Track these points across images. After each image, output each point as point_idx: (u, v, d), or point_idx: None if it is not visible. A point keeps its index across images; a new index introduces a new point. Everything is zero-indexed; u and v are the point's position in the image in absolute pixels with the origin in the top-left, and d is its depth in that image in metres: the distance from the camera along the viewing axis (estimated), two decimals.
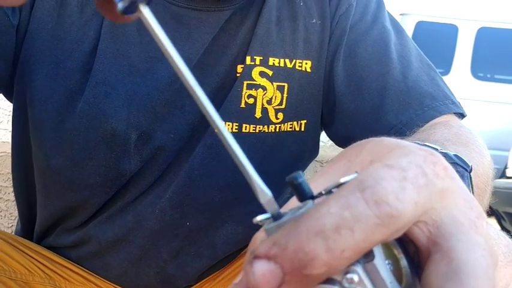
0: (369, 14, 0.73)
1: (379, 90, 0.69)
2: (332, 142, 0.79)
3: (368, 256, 0.21)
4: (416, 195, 0.21)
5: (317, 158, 0.84)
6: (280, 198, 0.75)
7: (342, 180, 0.22)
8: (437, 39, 4.87)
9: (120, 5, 0.23)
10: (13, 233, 0.83)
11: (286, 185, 0.23)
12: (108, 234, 0.71)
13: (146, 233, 0.71)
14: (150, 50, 0.67)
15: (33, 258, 0.73)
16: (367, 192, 0.21)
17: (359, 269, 0.21)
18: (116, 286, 0.75)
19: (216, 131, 0.23)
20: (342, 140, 0.75)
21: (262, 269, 0.21)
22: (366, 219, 0.20)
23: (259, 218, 0.24)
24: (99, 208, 0.71)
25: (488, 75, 4.81)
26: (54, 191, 0.71)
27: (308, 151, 0.76)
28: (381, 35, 0.72)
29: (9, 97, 0.74)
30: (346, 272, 0.21)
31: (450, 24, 4.92)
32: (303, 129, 0.72)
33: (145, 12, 0.23)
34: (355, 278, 0.21)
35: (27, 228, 0.80)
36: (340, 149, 0.55)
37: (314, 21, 0.72)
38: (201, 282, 0.77)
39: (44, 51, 0.66)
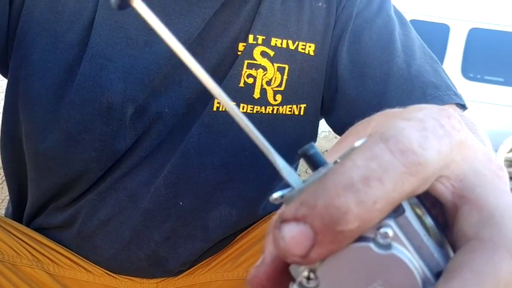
0: (374, 3, 0.73)
1: (382, 77, 0.68)
2: (325, 133, 0.78)
3: (398, 211, 0.21)
4: (438, 144, 0.21)
5: None
6: (276, 183, 0.74)
7: (357, 144, 0.22)
8: (429, 38, 4.88)
9: (112, 1, 0.23)
10: None
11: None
12: (100, 212, 0.70)
13: (139, 213, 0.69)
14: None
15: (21, 240, 0.71)
16: (390, 142, 0.20)
17: (392, 222, 0.21)
18: (105, 270, 0.73)
19: (228, 110, 0.23)
20: (343, 128, 0.73)
21: (292, 231, 0.20)
22: (393, 168, 0.20)
23: (275, 195, 0.23)
24: (92, 184, 0.69)
25: (479, 76, 4.84)
26: (48, 168, 0.69)
27: (307, 137, 0.75)
28: (386, 23, 0.71)
29: (3, 72, 0.72)
30: (379, 228, 0.20)
31: (442, 23, 4.94)
32: (302, 113, 0.71)
33: (139, 4, 0.23)
34: (390, 232, 0.20)
35: (18, 209, 0.78)
36: (335, 141, 0.54)
37: (320, 4, 0.71)
38: (194, 267, 0.76)
39: (42, 25, 0.65)
